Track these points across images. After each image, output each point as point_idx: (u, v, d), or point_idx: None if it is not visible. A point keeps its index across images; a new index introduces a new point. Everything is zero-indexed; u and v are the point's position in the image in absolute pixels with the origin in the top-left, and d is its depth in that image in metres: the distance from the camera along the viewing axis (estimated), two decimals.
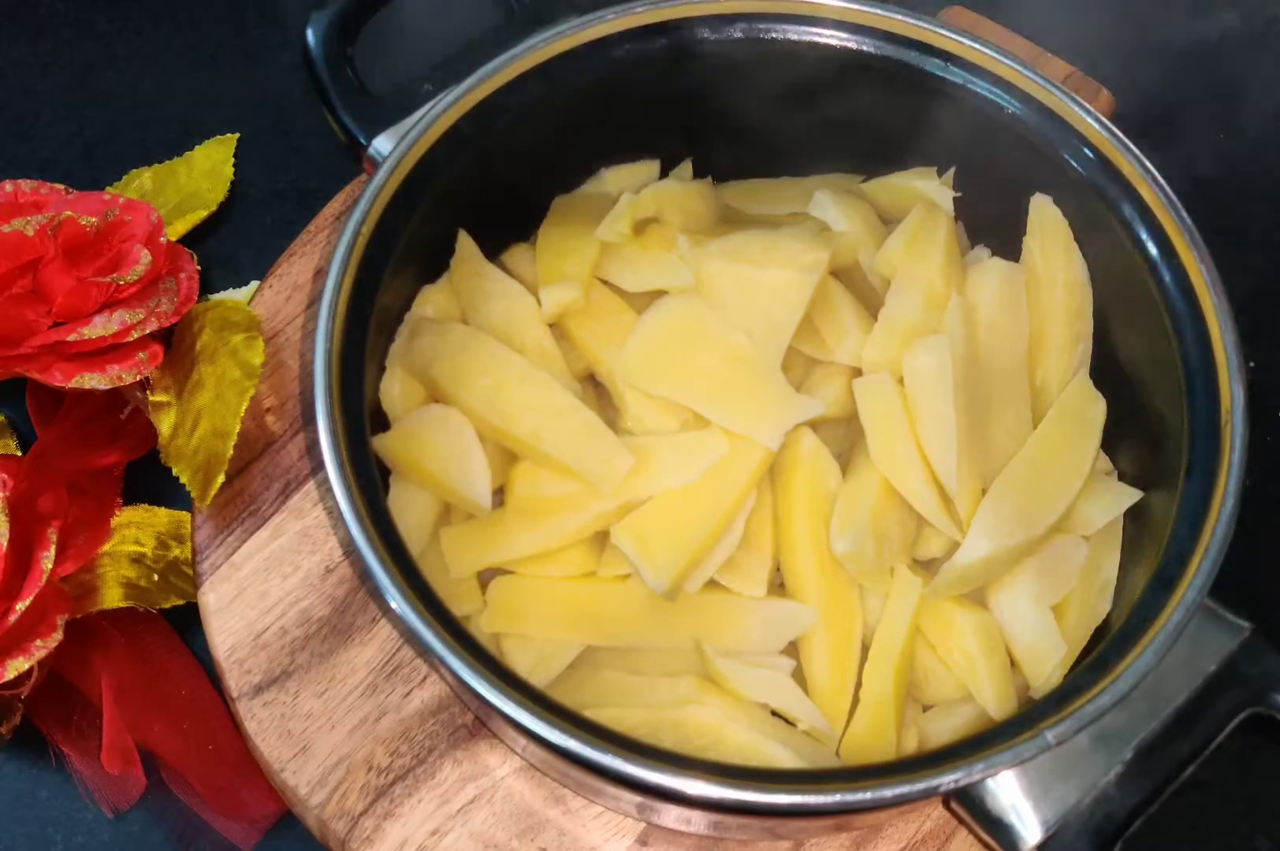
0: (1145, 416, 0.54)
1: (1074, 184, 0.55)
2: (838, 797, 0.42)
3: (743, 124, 0.61)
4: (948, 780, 0.42)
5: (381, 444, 0.53)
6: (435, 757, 0.53)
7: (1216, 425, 0.49)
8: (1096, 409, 0.55)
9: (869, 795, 0.42)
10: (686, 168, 0.62)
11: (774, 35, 0.57)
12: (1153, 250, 0.52)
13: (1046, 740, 0.43)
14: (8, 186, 0.64)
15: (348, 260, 0.50)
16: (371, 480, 0.48)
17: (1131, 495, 0.54)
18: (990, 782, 0.47)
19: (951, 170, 0.59)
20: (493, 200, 0.58)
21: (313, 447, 0.60)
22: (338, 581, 0.57)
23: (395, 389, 0.55)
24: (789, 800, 0.42)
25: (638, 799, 0.48)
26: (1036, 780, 0.47)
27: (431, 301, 0.58)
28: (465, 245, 0.58)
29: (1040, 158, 0.55)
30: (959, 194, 0.59)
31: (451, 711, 0.54)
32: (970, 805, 0.48)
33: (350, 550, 0.57)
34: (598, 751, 0.42)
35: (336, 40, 0.58)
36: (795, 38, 0.57)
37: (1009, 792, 0.47)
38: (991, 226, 0.59)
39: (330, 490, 0.46)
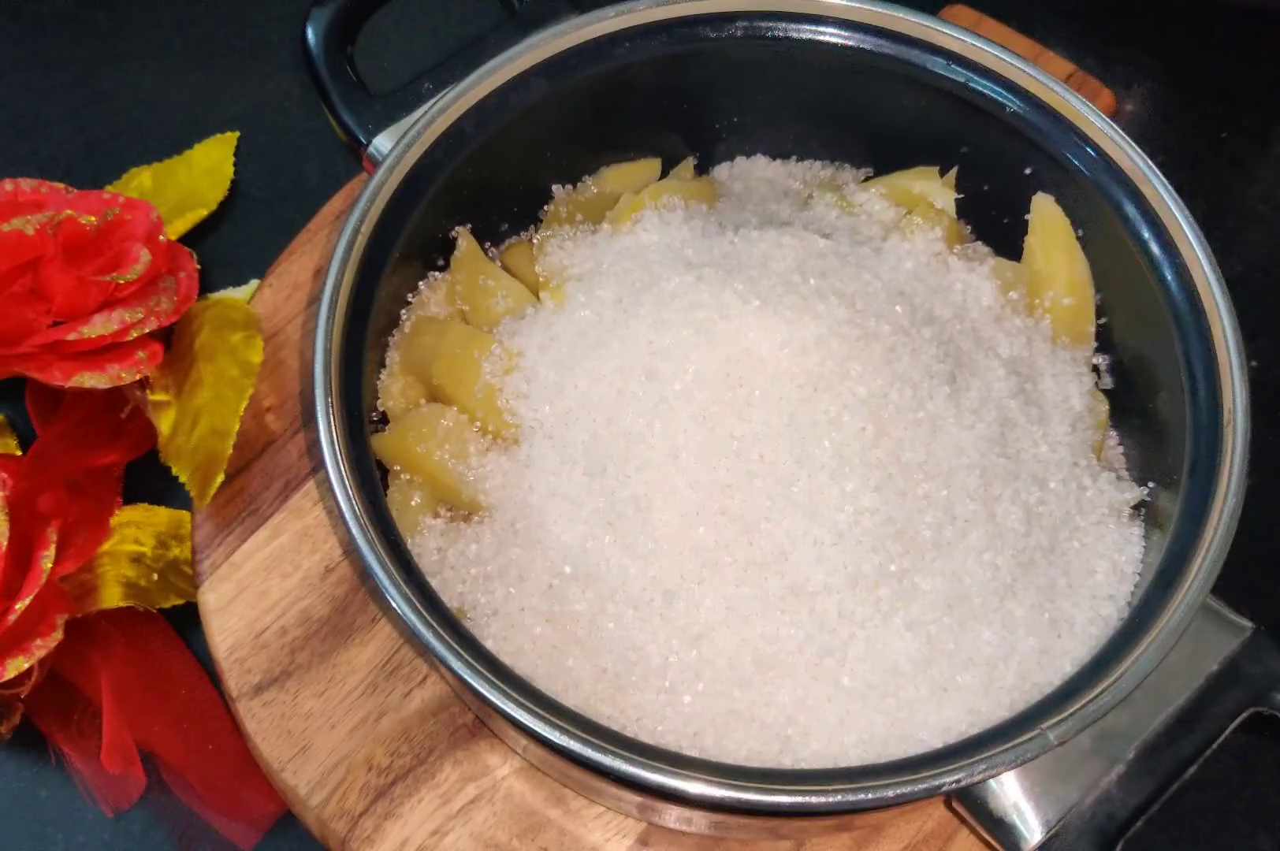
0: (1147, 416, 0.54)
1: (1076, 183, 0.55)
2: (839, 798, 0.42)
3: (743, 123, 0.61)
4: (949, 780, 0.42)
5: (381, 443, 0.53)
6: (435, 757, 0.53)
7: (1218, 425, 0.49)
8: (1097, 409, 0.55)
9: (870, 795, 0.42)
10: (688, 166, 0.62)
11: (776, 34, 0.57)
12: (1155, 249, 0.52)
13: (1048, 740, 0.43)
14: (8, 186, 0.64)
15: (348, 259, 0.50)
16: (371, 480, 0.48)
17: (1133, 494, 0.54)
18: (992, 782, 0.47)
19: (953, 170, 0.59)
20: (493, 199, 0.58)
21: (313, 447, 0.60)
22: (338, 581, 0.57)
23: (395, 388, 0.55)
24: (790, 800, 0.42)
25: (638, 799, 0.48)
26: (1038, 780, 0.47)
27: (431, 301, 0.57)
28: (465, 244, 0.57)
29: (1042, 156, 0.55)
30: (960, 194, 0.59)
31: (451, 711, 0.54)
32: (972, 805, 0.48)
33: (350, 550, 0.57)
34: (598, 751, 0.42)
35: (337, 39, 0.57)
36: (797, 36, 0.57)
37: (1011, 792, 0.47)
38: (992, 226, 0.59)
39: (330, 490, 0.46)
